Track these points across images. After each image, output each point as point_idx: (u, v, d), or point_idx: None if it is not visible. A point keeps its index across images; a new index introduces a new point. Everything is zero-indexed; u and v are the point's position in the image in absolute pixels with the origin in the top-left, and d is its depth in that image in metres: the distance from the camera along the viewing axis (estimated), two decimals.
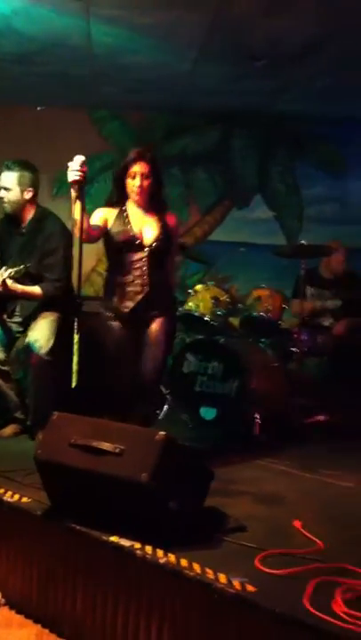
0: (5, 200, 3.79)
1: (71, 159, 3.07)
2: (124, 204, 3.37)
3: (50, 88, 5.58)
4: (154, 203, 3.38)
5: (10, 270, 3.57)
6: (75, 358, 3.38)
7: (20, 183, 3.77)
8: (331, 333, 4.93)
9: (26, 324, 3.87)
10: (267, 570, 2.07)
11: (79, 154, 3.47)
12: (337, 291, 5.08)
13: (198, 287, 4.98)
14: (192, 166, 6.37)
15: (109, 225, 3.34)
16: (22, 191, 3.78)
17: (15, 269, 3.57)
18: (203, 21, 4.22)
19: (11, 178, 3.76)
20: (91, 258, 6.05)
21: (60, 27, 4.34)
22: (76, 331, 3.42)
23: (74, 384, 3.37)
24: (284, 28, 4.28)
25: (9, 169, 3.76)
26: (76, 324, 3.44)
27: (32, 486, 2.64)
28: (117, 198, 3.38)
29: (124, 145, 6.19)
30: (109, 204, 3.41)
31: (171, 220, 3.44)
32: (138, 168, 3.29)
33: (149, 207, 3.38)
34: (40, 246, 3.77)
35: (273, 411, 4.46)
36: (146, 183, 3.30)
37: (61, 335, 3.77)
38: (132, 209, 3.38)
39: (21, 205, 3.80)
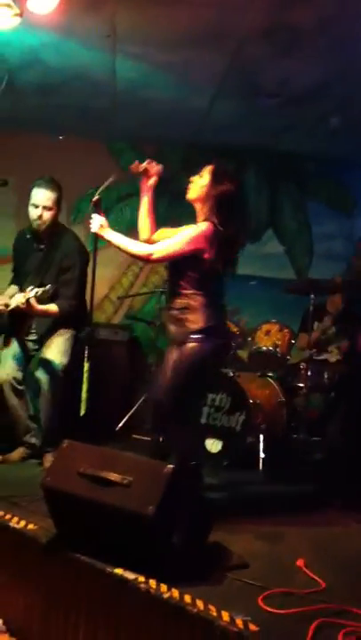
0: (42, 219, 3.81)
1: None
2: None
3: (70, 119, 5.70)
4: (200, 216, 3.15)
5: (36, 290, 3.58)
6: (84, 387, 3.41)
7: (57, 203, 3.84)
8: (337, 369, 4.95)
9: (41, 342, 3.92)
10: (270, 609, 2.08)
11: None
12: (340, 325, 5.13)
13: None
14: None
15: None
16: (57, 211, 3.86)
17: (42, 290, 3.58)
18: (222, 60, 4.34)
19: (52, 198, 3.80)
20: (103, 285, 6.13)
21: (86, 61, 4.45)
22: (86, 359, 3.47)
23: (82, 412, 3.40)
24: (296, 68, 4.40)
25: (51, 189, 3.79)
26: (86, 352, 3.48)
27: (38, 513, 2.66)
28: None
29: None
30: None
31: (194, 230, 3.04)
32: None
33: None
34: (58, 262, 3.83)
35: (277, 445, 4.48)
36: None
37: (74, 356, 3.84)
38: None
39: (51, 224, 3.86)
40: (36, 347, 3.95)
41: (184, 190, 6.73)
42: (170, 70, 4.58)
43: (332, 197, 6.65)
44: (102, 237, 3.14)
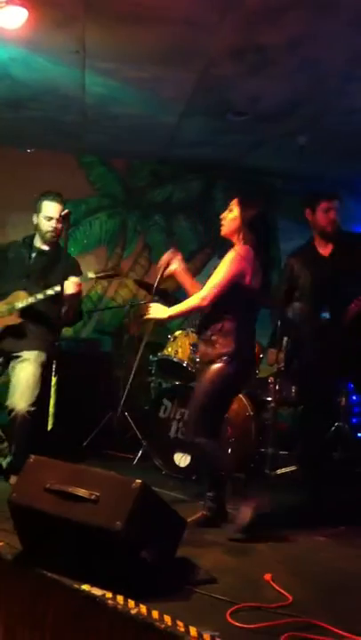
0: (53, 229, 4.04)
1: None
2: None
3: (40, 132, 5.69)
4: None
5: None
6: (51, 401, 3.39)
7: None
8: None
9: (6, 363, 3.90)
10: (237, 624, 2.08)
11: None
12: None
13: (178, 333, 5.03)
14: (175, 214, 6.50)
15: None
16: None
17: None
18: (190, 78, 4.38)
19: (60, 210, 4.01)
20: None
21: (55, 76, 4.46)
22: (53, 373, 3.45)
23: (50, 426, 3.38)
24: (264, 87, 4.47)
25: (60, 202, 4.04)
26: (54, 366, 3.47)
27: (4, 530, 2.62)
28: None
29: (111, 190, 6.31)
30: None
31: (231, 255, 3.24)
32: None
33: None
34: (62, 266, 3.86)
35: (245, 459, 4.49)
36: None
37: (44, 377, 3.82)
38: None
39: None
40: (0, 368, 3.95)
41: (154, 203, 6.81)
42: (139, 86, 4.60)
43: (300, 213, 6.71)
44: (169, 319, 3.34)
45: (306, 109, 4.77)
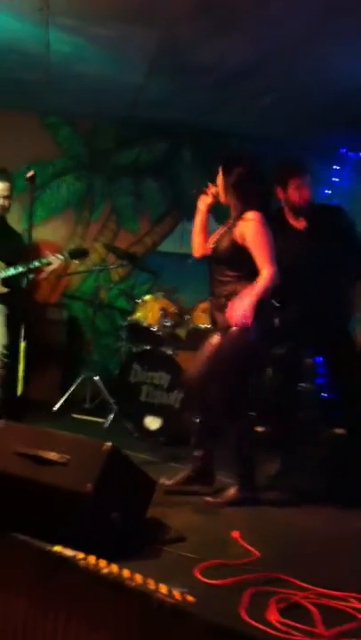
0: (5, 207, 4.26)
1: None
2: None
3: (3, 91, 5.55)
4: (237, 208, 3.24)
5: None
6: (20, 366, 3.39)
7: (11, 191, 4.28)
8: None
9: None
10: (206, 580, 2.14)
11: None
12: None
13: (147, 297, 5.04)
14: (143, 177, 6.40)
15: None
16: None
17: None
18: (154, 36, 4.30)
19: (8, 187, 4.23)
20: None
21: (19, 34, 4.33)
22: (22, 338, 3.44)
23: (19, 392, 3.39)
24: (230, 46, 4.40)
25: (6, 179, 4.22)
26: (22, 331, 3.46)
27: None
28: None
29: (76, 152, 6.20)
30: None
31: (255, 225, 3.10)
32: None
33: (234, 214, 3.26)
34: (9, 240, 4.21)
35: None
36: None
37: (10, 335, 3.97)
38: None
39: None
40: None
41: (121, 166, 6.70)
42: (104, 45, 4.50)
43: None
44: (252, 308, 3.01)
45: (272, 69, 4.72)
